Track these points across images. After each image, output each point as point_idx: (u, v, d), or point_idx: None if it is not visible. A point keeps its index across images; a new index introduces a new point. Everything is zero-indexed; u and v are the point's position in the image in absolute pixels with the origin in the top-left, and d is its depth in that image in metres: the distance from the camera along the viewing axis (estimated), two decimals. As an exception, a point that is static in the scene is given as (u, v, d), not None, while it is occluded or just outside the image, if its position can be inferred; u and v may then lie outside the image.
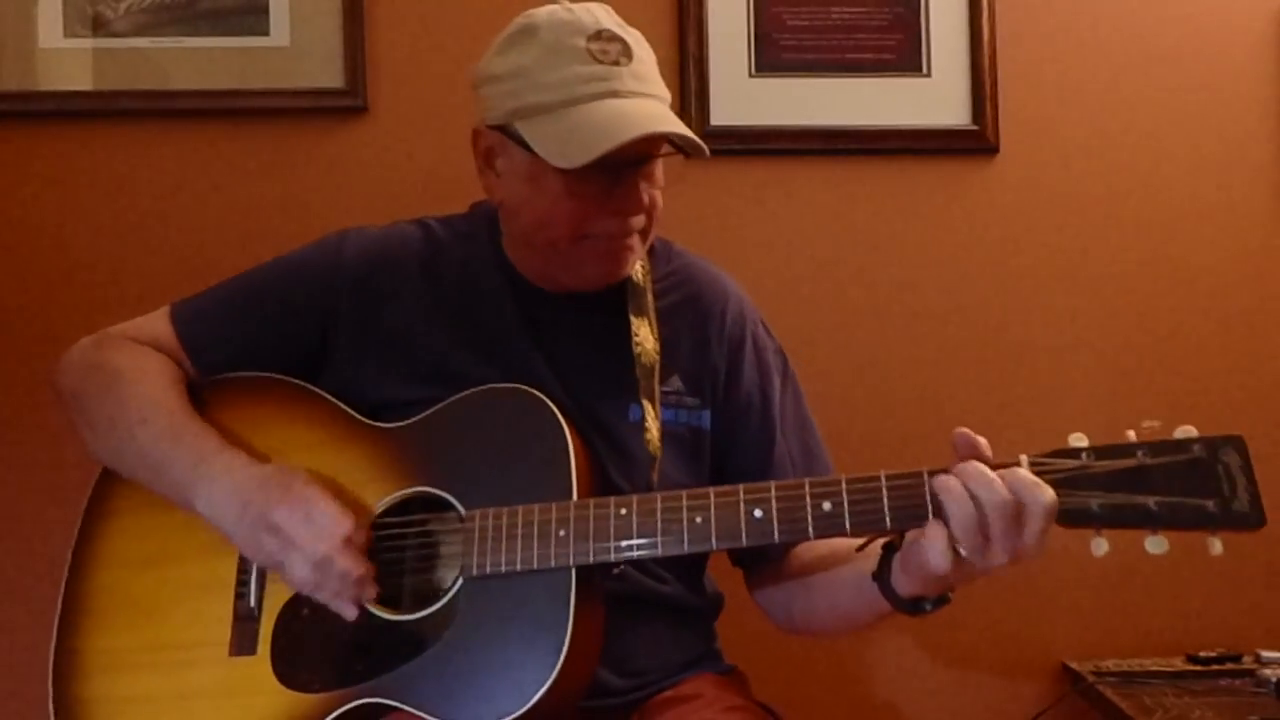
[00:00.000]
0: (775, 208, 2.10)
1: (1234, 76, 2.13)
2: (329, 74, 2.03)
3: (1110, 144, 2.13)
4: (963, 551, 1.17)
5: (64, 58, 2.01)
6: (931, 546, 1.18)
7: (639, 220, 1.43)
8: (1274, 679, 1.82)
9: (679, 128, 1.39)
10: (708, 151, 1.40)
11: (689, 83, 2.05)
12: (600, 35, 1.39)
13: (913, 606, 1.29)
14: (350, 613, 1.32)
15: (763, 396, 1.54)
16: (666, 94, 1.45)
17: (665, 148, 1.42)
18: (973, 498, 1.16)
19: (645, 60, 1.43)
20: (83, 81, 2.01)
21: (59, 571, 1.48)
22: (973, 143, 2.10)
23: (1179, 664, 1.98)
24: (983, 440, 1.21)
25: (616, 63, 1.39)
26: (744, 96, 2.08)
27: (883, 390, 2.08)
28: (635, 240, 1.44)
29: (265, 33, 2.02)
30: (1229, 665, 1.95)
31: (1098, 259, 2.12)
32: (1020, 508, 1.16)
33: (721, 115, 2.06)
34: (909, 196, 2.11)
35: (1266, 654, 1.95)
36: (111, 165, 2.02)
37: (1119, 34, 2.13)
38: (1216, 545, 1.16)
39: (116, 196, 2.02)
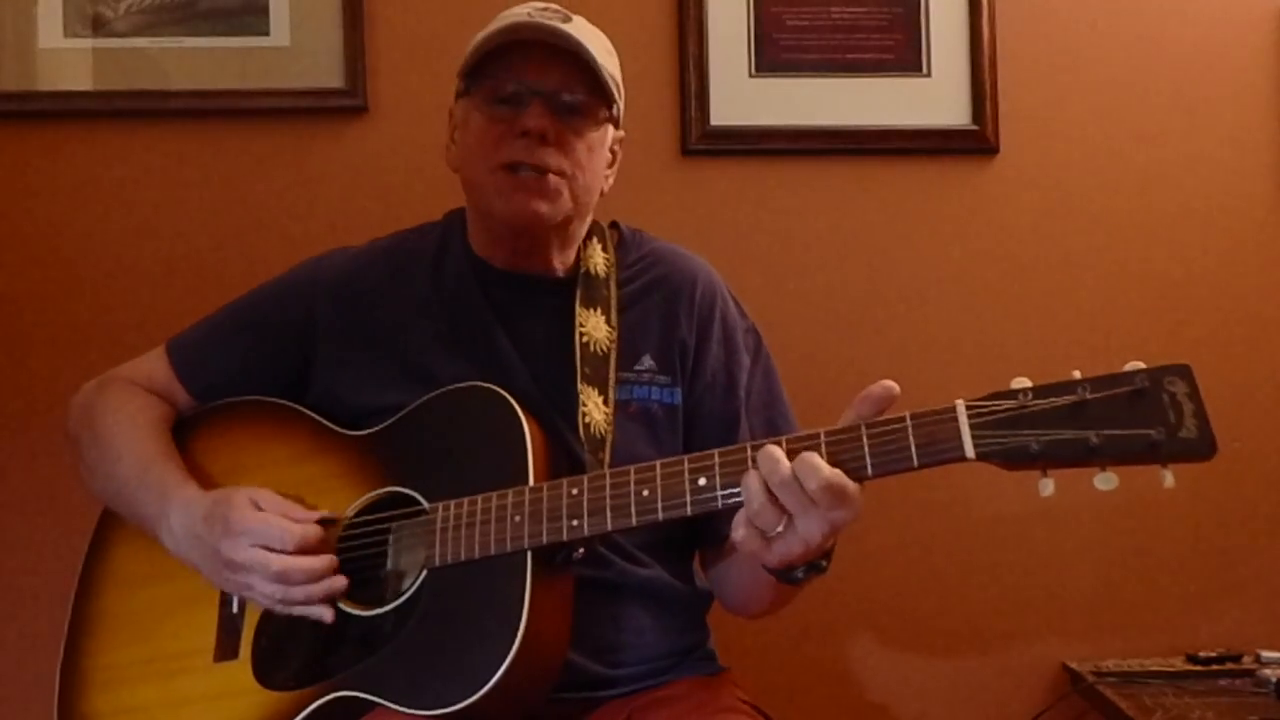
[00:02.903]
0: (775, 208, 2.09)
1: (1234, 76, 2.13)
2: (329, 74, 2.03)
3: (1110, 144, 2.13)
4: (762, 529, 1.20)
5: (64, 58, 2.01)
6: (734, 526, 1.22)
7: (549, 155, 1.45)
8: (1274, 679, 1.82)
9: (566, 31, 1.44)
10: (611, 86, 1.47)
11: (689, 83, 2.05)
12: (546, 10, 1.48)
13: (784, 576, 1.29)
14: (327, 615, 1.36)
15: (728, 375, 1.56)
16: (594, 53, 1.46)
17: (579, 90, 1.46)
18: (762, 481, 1.19)
19: (584, 30, 1.48)
20: (83, 81, 2.01)
21: (64, 594, 1.54)
22: (973, 143, 2.10)
23: (1179, 664, 1.98)
24: (877, 394, 1.21)
25: (547, 17, 1.46)
26: (744, 96, 2.08)
27: (882, 390, 2.08)
28: (551, 181, 1.46)
29: (265, 33, 2.03)
30: (1229, 665, 1.95)
31: (1097, 259, 2.12)
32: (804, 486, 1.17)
33: (721, 115, 2.06)
34: (909, 196, 2.11)
35: (1266, 654, 1.95)
36: (111, 165, 2.02)
37: (1119, 34, 2.13)
38: (1168, 478, 1.11)
39: (116, 196, 2.02)
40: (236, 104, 2.02)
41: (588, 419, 1.45)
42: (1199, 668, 1.95)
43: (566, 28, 1.46)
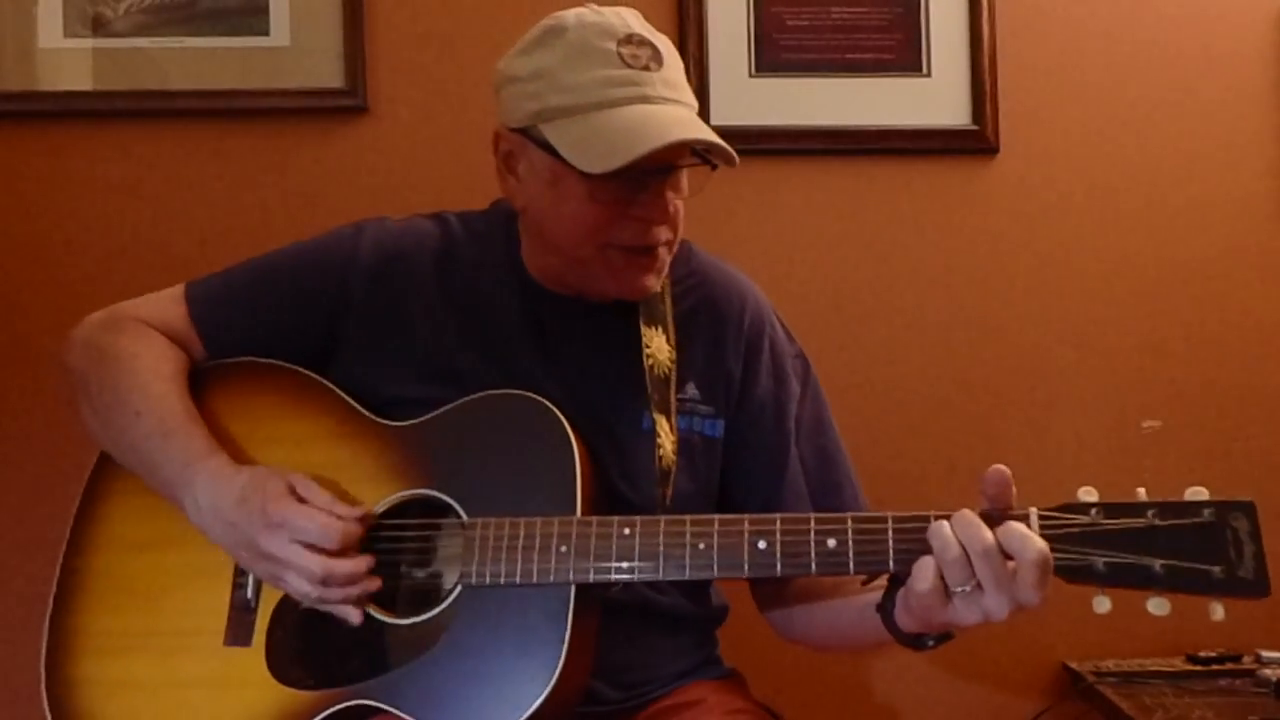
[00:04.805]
0: (775, 208, 2.09)
1: (1234, 76, 2.13)
2: (329, 74, 2.03)
3: (1110, 144, 2.13)
4: (954, 589, 1.16)
5: (64, 58, 2.01)
6: (920, 576, 1.16)
7: (663, 231, 1.39)
8: (1274, 679, 1.82)
9: (711, 136, 1.35)
10: (737, 160, 1.35)
11: (689, 83, 2.05)
12: (631, 39, 1.35)
13: (915, 642, 1.26)
14: (355, 618, 1.31)
15: (777, 403, 1.50)
16: (694, 102, 1.41)
17: (690, 157, 1.38)
18: (959, 541, 1.15)
19: (674, 67, 1.39)
20: (83, 81, 2.01)
21: (57, 551, 1.45)
22: (973, 143, 2.10)
23: (1179, 664, 1.98)
24: (1012, 489, 1.19)
25: (646, 68, 1.35)
26: (744, 96, 2.08)
27: (881, 389, 2.08)
28: (661, 254, 1.41)
29: (265, 33, 2.03)
30: (1229, 665, 1.95)
31: (1097, 259, 2.12)
32: (1009, 557, 1.14)
33: (721, 115, 2.06)
34: (909, 196, 2.11)
35: (1266, 654, 1.95)
36: (111, 165, 2.02)
37: (1119, 34, 2.13)
38: (1218, 611, 1.17)
39: (116, 196, 2.02)
40: (236, 104, 2.02)
41: (660, 449, 1.40)
42: (1199, 668, 1.95)
43: (666, 76, 1.36)
